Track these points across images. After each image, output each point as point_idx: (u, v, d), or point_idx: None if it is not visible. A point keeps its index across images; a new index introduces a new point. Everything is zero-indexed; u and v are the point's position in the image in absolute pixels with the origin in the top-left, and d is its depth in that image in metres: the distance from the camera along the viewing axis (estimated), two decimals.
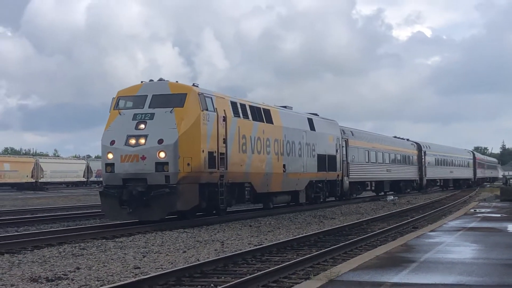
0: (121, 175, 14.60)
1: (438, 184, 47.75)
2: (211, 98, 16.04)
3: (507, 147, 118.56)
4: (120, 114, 15.39)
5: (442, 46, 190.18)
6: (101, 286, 7.03)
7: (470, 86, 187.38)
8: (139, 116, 15.06)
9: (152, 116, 14.91)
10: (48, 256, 9.87)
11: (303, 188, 21.58)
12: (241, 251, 9.99)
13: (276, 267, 8.08)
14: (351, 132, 29.02)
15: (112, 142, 14.93)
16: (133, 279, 7.14)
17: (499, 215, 17.18)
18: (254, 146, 18.14)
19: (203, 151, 15.23)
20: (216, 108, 16.06)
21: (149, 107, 15.18)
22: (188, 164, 14.63)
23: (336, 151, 25.12)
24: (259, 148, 18.41)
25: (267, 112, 19.48)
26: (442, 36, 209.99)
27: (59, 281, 7.42)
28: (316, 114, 25.08)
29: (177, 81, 16.35)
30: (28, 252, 10.44)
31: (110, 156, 14.88)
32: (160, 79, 16.18)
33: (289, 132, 20.58)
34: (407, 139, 41.71)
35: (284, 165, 19.89)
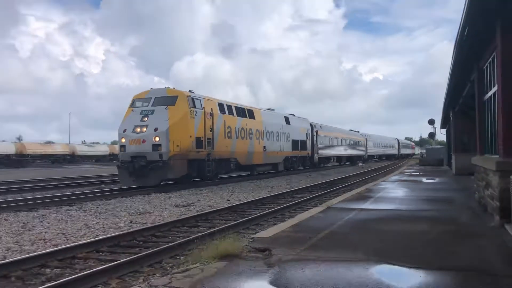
0: (129, 154, 18.89)
1: (375, 158, 70.91)
2: (200, 100, 20.89)
3: (422, 137, 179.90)
4: (132, 111, 19.94)
5: (388, 84, 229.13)
6: (210, 209, 12.47)
7: (403, 105, 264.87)
8: (144, 112, 19.49)
9: (153, 112, 19.30)
10: (184, 194, 17.67)
11: (281, 161, 30.76)
12: (281, 192, 17.48)
13: (299, 200, 14.07)
14: (320, 126, 41.67)
15: (124, 130, 19.27)
16: (227, 205, 13.26)
17: (418, 173, 26.00)
18: (239, 134, 24.32)
19: (190, 136, 19.65)
20: (204, 107, 20.89)
21: (151, 106, 19.66)
22: (177, 146, 18.78)
23: (307, 137, 36.07)
24: (242, 135, 24.75)
25: (250, 111, 26.51)
26: (388, 79, 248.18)
27: (189, 207, 13.67)
28: (293, 114, 35.16)
29: (174, 88, 20.87)
30: (174, 192, 18.37)
31: (123, 140, 19.24)
32: (167, 87, 20.86)
33: (268, 125, 28.48)
34: (358, 131, 61.16)
35: (264, 146, 27.67)
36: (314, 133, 38.37)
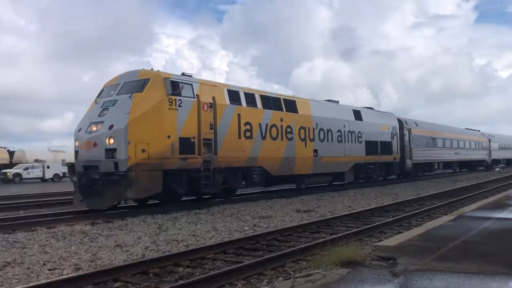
0: (82, 163, 13.90)
1: (502, 163, 58.55)
2: (191, 85, 15.05)
3: None
4: (96, 103, 14.79)
5: None
6: (331, 215, 12.44)
7: None
8: (106, 103, 14.24)
9: (114, 102, 14.00)
10: (304, 199, 17.77)
11: (348, 170, 23.13)
12: (406, 199, 16.59)
13: (427, 207, 13.38)
14: (415, 123, 32.88)
15: (79, 130, 14.29)
16: (348, 212, 13.08)
17: None
18: (266, 133, 17.85)
19: (169, 136, 13.88)
20: (197, 95, 15.05)
21: (116, 94, 14.32)
22: (144, 150, 13.21)
23: (392, 137, 27.59)
24: (274, 134, 18.23)
25: (290, 102, 19.67)
26: None
27: (310, 212, 13.65)
28: (371, 108, 27.98)
29: (152, 69, 15.34)
30: (295, 197, 18.39)
31: (77, 143, 14.27)
32: (142, 69, 15.22)
33: (323, 121, 21.32)
34: (478, 130, 51.54)
35: (315, 150, 20.66)
36: (406, 132, 30.17)
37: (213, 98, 15.63)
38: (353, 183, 23.87)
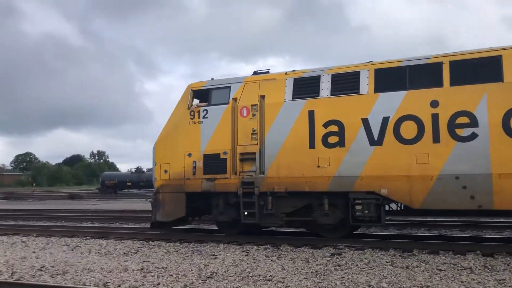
0: None
1: None
2: (229, 88, 12.36)
3: None
4: None
5: None
6: None
7: None
8: None
9: None
10: None
11: None
12: None
13: None
14: None
15: None
16: None
17: None
18: (384, 132, 10.56)
19: (189, 154, 12.53)
20: (234, 98, 12.20)
21: None
22: (166, 171, 12.88)
23: None
24: (407, 133, 10.32)
25: (474, 64, 9.98)
26: None
27: None
28: None
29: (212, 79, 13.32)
30: None
31: None
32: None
33: None
34: None
35: None
36: None
37: (261, 97, 11.95)
38: None
